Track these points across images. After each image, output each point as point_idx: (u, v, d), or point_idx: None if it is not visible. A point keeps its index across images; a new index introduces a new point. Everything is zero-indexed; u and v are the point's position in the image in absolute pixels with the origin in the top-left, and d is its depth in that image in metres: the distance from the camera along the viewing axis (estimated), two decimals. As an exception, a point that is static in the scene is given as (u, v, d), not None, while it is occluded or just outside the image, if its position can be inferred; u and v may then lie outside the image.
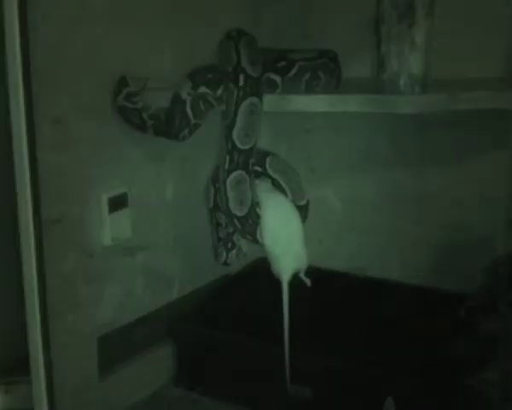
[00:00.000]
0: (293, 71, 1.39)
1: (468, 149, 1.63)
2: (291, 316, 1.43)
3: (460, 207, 1.66)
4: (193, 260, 1.71)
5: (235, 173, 1.34)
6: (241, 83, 1.32)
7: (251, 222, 1.37)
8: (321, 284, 1.81)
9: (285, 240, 1.39)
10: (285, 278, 1.39)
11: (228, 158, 1.34)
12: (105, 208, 1.44)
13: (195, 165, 1.69)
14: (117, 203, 1.47)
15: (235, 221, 1.37)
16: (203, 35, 1.61)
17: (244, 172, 1.34)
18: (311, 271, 1.84)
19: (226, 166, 1.34)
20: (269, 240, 1.38)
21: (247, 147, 1.34)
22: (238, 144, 1.33)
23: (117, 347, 1.53)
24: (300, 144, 1.88)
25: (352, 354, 1.46)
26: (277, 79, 1.39)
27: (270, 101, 1.37)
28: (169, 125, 1.40)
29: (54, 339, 1.32)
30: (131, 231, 1.51)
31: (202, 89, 1.39)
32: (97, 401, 1.47)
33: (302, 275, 1.43)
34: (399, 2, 1.28)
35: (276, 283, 1.41)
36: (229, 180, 1.34)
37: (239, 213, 1.36)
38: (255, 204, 1.37)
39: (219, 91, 1.39)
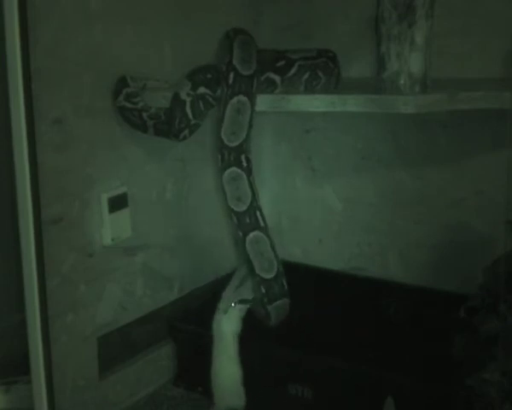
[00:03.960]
0: (293, 70, 1.39)
1: (468, 148, 1.63)
2: (291, 315, 1.43)
3: (460, 207, 1.66)
4: (193, 260, 1.71)
5: (229, 170, 1.35)
6: (231, 81, 1.33)
7: (248, 221, 1.36)
8: (321, 284, 1.82)
9: (223, 376, 1.43)
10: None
11: (219, 156, 1.35)
12: (105, 208, 1.44)
13: (195, 165, 1.69)
14: (117, 203, 1.47)
15: (233, 216, 1.37)
16: (203, 35, 1.61)
17: (238, 169, 1.35)
18: (311, 271, 1.86)
19: (219, 164, 1.36)
20: (212, 371, 1.44)
21: (234, 144, 1.34)
22: (226, 142, 1.34)
23: (117, 347, 1.53)
24: (300, 144, 1.88)
25: (352, 354, 1.46)
26: (277, 78, 1.39)
27: (270, 101, 1.37)
28: (169, 126, 1.41)
29: (54, 339, 1.32)
30: (131, 230, 1.51)
31: (201, 89, 1.39)
32: (97, 401, 1.47)
33: None
34: (399, 2, 1.28)
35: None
36: (224, 177, 1.35)
37: (236, 209, 1.36)
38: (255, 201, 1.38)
39: (219, 91, 1.39)
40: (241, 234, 1.38)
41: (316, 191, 1.87)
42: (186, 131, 1.42)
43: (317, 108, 1.36)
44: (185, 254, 1.68)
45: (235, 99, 1.33)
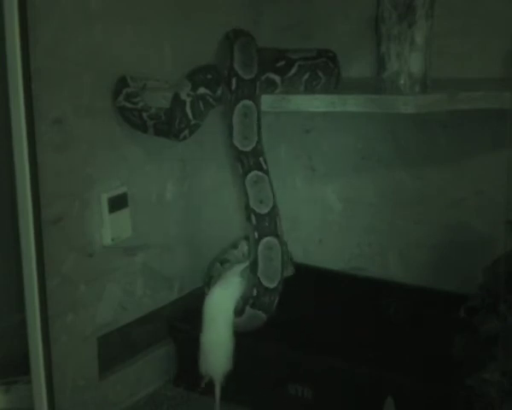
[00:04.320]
0: (293, 70, 1.39)
1: (468, 148, 1.63)
2: (293, 315, 1.43)
3: (460, 207, 1.66)
4: (193, 260, 1.71)
5: (251, 174, 1.36)
6: (234, 87, 1.33)
7: (266, 225, 1.36)
8: (321, 284, 1.82)
9: (221, 339, 1.41)
10: (218, 379, 1.41)
11: (239, 164, 1.36)
12: (105, 208, 1.44)
13: (195, 164, 1.69)
14: (117, 203, 1.47)
15: (253, 217, 1.37)
16: (203, 35, 1.61)
17: (260, 172, 1.36)
18: (311, 271, 1.86)
19: (240, 171, 1.36)
20: (208, 334, 1.42)
21: (249, 148, 1.35)
22: (240, 148, 1.35)
23: (117, 347, 1.53)
24: (300, 144, 1.88)
25: (352, 354, 1.46)
26: (277, 78, 1.39)
27: (270, 101, 1.38)
28: (169, 126, 1.41)
29: (54, 339, 1.32)
30: (131, 230, 1.51)
31: (201, 89, 1.39)
32: (97, 401, 1.47)
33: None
34: (399, 2, 1.28)
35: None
36: (247, 181, 1.36)
37: (257, 210, 1.36)
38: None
39: (219, 92, 1.39)
40: (256, 236, 1.37)
41: (316, 191, 1.87)
42: (186, 132, 1.42)
43: (317, 108, 1.36)
44: (185, 254, 1.68)
45: (240, 104, 1.33)
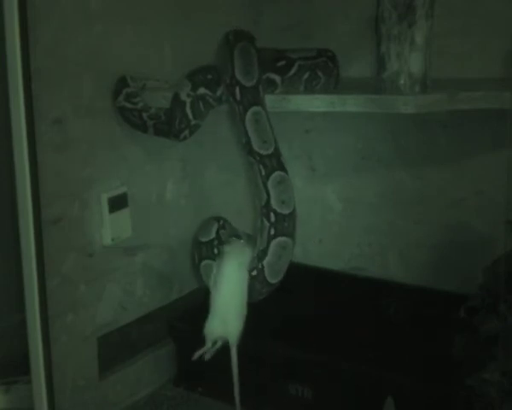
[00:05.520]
0: (293, 70, 1.40)
1: (468, 148, 1.63)
2: (293, 315, 1.43)
3: (460, 207, 1.66)
4: (193, 260, 1.71)
5: (274, 175, 1.35)
6: (238, 97, 1.33)
7: (286, 225, 1.36)
8: (321, 284, 1.82)
9: (237, 303, 1.39)
10: (234, 342, 1.40)
11: (260, 166, 1.35)
12: (105, 208, 1.45)
13: (195, 164, 1.69)
14: (117, 203, 1.47)
15: (272, 215, 1.36)
16: (203, 35, 1.61)
17: (282, 172, 1.36)
18: (311, 271, 1.86)
19: (263, 173, 1.35)
20: (225, 294, 1.39)
21: (271, 151, 1.35)
22: (263, 152, 1.35)
23: (117, 347, 1.53)
24: (300, 144, 1.88)
25: (352, 354, 1.46)
26: (277, 78, 1.39)
27: (270, 101, 1.38)
28: (169, 126, 1.41)
29: (54, 339, 1.32)
30: (131, 230, 1.52)
31: (201, 90, 1.40)
32: (97, 401, 1.47)
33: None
34: (399, 2, 1.28)
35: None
36: (269, 182, 1.35)
37: (279, 210, 1.36)
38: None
39: (219, 92, 1.39)
40: (272, 233, 1.37)
41: (316, 191, 1.87)
42: (186, 132, 1.42)
43: (317, 108, 1.36)
44: (185, 254, 1.68)
45: (249, 113, 1.34)
